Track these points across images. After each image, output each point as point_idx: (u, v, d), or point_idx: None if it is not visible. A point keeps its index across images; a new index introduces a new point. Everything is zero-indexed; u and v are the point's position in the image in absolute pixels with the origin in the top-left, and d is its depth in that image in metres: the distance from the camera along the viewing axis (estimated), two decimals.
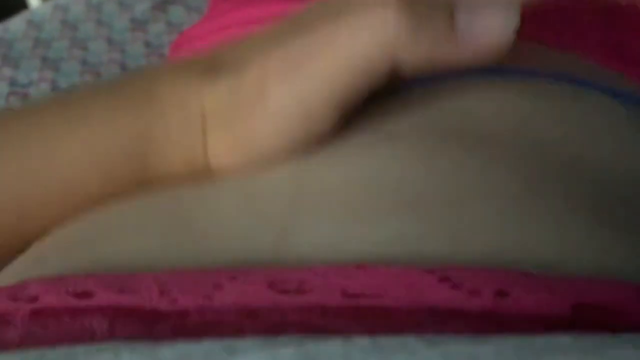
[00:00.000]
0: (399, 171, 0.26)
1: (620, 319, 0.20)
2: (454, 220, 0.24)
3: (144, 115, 0.30)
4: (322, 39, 0.26)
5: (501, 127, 0.28)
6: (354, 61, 0.26)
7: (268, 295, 0.21)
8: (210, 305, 0.21)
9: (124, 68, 0.72)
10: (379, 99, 0.29)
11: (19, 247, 0.31)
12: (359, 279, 0.21)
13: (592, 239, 0.24)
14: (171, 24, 0.78)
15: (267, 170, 0.28)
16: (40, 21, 0.78)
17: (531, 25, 0.32)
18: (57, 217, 0.30)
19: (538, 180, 0.26)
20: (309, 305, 0.21)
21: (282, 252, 0.24)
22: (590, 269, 0.22)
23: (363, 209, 0.25)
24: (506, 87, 0.30)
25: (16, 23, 0.78)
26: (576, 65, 0.34)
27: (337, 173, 0.27)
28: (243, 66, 0.29)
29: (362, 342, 0.18)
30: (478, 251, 0.23)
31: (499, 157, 0.26)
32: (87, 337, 0.22)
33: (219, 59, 0.30)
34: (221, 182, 0.29)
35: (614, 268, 0.23)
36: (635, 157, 0.28)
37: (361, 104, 0.29)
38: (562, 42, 0.37)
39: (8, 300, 0.23)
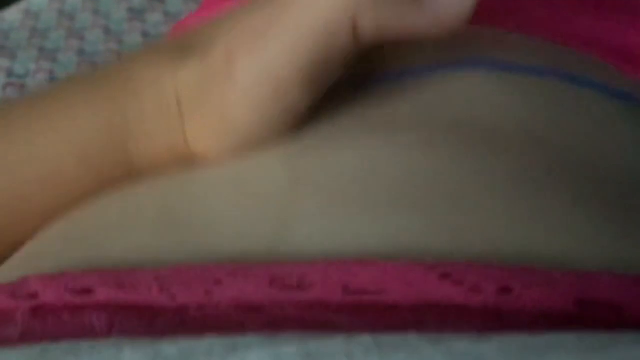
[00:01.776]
0: (398, 163, 0.26)
1: (624, 314, 0.20)
2: (456, 215, 0.24)
3: (121, 103, 0.30)
4: (281, 7, 0.26)
5: (503, 121, 0.28)
6: (314, 25, 0.25)
7: (268, 291, 0.21)
8: (209, 301, 0.21)
9: None
10: (357, 90, 0.29)
11: (9, 248, 0.31)
12: (359, 274, 0.21)
13: (597, 233, 0.24)
14: (168, 13, 0.78)
15: (254, 156, 0.28)
16: (37, 11, 0.77)
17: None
18: (44, 214, 0.30)
19: (542, 176, 0.25)
20: (309, 301, 0.21)
21: (281, 248, 0.23)
22: (595, 264, 0.22)
23: (362, 202, 0.25)
24: (504, 82, 0.30)
25: (13, 13, 0.77)
26: (570, 59, 0.34)
27: (333, 163, 0.27)
28: (210, 45, 0.28)
29: (364, 340, 0.18)
30: (480, 247, 0.23)
31: (503, 152, 0.26)
32: (87, 333, 0.21)
33: (188, 40, 0.30)
34: (206, 170, 0.29)
35: (620, 262, 0.23)
36: (634, 153, 0.29)
37: (337, 88, 0.28)
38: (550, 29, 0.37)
39: (8, 298, 0.23)
